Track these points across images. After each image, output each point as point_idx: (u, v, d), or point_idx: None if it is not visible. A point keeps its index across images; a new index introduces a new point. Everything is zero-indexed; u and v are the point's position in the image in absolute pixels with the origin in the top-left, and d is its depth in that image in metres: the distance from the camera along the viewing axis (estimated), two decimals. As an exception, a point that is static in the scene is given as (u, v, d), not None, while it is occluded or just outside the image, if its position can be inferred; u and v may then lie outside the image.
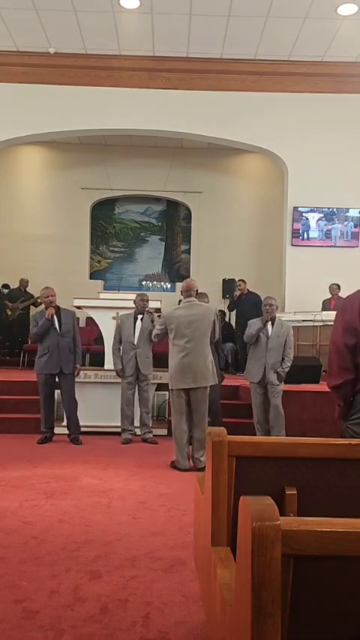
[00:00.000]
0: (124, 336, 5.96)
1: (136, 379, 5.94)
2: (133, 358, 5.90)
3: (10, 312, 9.84)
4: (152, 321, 5.96)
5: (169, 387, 4.94)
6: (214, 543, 1.92)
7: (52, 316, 5.70)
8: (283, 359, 5.58)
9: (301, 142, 8.94)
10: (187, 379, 4.77)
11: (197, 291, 5.11)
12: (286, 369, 5.60)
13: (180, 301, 10.67)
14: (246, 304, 8.68)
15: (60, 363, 5.71)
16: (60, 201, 11.58)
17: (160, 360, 6.19)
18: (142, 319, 5.98)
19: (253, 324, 5.69)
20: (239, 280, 9.22)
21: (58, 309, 5.82)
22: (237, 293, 9.17)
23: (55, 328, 5.74)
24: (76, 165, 11.64)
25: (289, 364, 5.61)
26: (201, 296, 5.50)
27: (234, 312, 9.42)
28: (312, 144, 8.92)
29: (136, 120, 8.97)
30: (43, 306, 9.44)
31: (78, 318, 6.77)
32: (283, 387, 5.68)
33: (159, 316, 6.40)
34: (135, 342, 5.92)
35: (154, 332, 5.17)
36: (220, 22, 7.80)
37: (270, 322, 5.63)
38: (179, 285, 11.71)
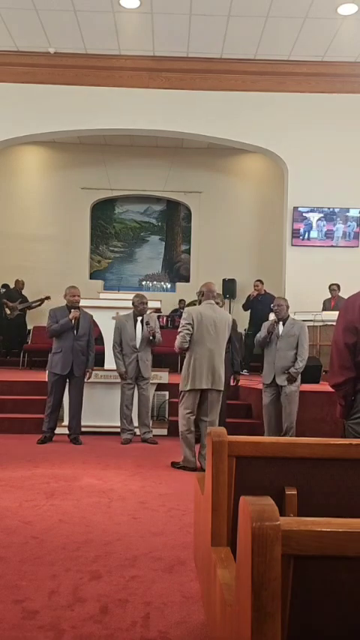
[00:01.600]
0: (126, 339, 5.91)
1: (135, 379, 5.93)
2: (134, 361, 5.88)
3: (9, 312, 9.86)
4: (147, 324, 5.89)
5: (186, 389, 4.79)
6: (214, 543, 1.92)
7: (75, 319, 5.72)
8: (296, 359, 5.38)
9: (301, 142, 8.94)
10: (207, 379, 4.75)
11: (218, 294, 5.10)
12: (299, 369, 5.35)
13: (177, 302, 10.69)
14: (261, 305, 8.65)
15: (71, 364, 5.72)
16: (60, 201, 11.57)
17: (160, 361, 6.18)
18: (142, 321, 5.95)
19: (264, 328, 5.61)
20: (257, 280, 9.19)
21: (79, 310, 5.83)
22: (254, 293, 9.17)
23: (72, 330, 5.75)
24: (76, 166, 11.64)
25: (301, 364, 5.36)
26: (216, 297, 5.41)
27: (248, 313, 9.40)
28: (312, 144, 8.92)
29: (136, 120, 8.96)
30: (43, 305, 9.56)
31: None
32: (296, 389, 5.41)
33: (158, 317, 6.38)
34: (137, 346, 5.89)
35: (182, 339, 4.75)
36: (220, 22, 7.80)
37: (281, 322, 5.51)
38: (179, 286, 11.83)
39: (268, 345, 5.55)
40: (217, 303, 5.10)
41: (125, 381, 5.90)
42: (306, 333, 5.52)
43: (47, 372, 5.86)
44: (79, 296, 5.85)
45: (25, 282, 10.36)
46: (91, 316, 6.07)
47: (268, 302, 8.48)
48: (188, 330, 4.76)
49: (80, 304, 6.07)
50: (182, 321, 4.86)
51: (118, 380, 5.99)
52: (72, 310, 5.78)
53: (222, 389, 4.87)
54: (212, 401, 4.82)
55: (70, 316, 5.73)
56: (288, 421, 5.40)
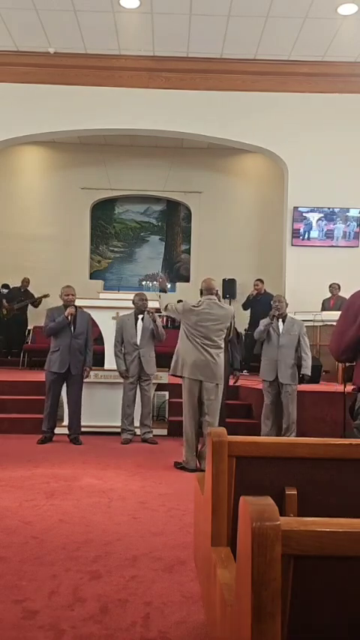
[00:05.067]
0: (127, 337, 5.94)
1: (138, 379, 5.94)
2: (136, 358, 5.89)
3: (5, 312, 9.88)
4: (154, 321, 5.95)
5: (183, 375, 4.82)
6: (214, 543, 1.92)
7: (71, 315, 5.74)
8: (302, 359, 5.49)
9: (301, 142, 8.93)
10: (199, 374, 4.77)
11: (217, 291, 5.11)
12: (309, 367, 5.53)
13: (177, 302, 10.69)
14: (260, 304, 8.63)
15: (69, 363, 5.72)
16: (60, 201, 11.57)
17: (161, 361, 6.19)
18: (142, 319, 5.97)
19: (262, 322, 5.69)
20: (257, 280, 9.19)
21: (76, 309, 5.84)
22: (253, 292, 9.17)
23: (70, 328, 5.76)
24: (76, 165, 11.63)
25: (309, 362, 5.53)
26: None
27: (247, 312, 9.38)
28: (312, 144, 8.92)
29: (136, 120, 8.96)
30: (42, 304, 9.55)
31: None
32: (296, 387, 5.56)
33: (159, 317, 6.39)
34: (138, 343, 5.91)
35: (172, 306, 4.98)
36: (220, 22, 7.79)
37: (281, 320, 5.60)
38: (179, 285, 11.82)
39: (267, 342, 5.60)
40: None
41: (128, 381, 5.91)
42: (305, 333, 5.65)
43: (45, 371, 5.87)
44: (73, 295, 5.86)
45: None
46: (89, 315, 6.08)
47: (268, 301, 8.45)
48: (180, 309, 4.88)
49: (80, 304, 6.09)
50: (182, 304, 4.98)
51: (119, 380, 5.99)
52: (67, 308, 5.78)
53: (216, 382, 4.83)
54: (208, 395, 4.78)
55: (66, 312, 5.73)
56: (289, 420, 5.44)
